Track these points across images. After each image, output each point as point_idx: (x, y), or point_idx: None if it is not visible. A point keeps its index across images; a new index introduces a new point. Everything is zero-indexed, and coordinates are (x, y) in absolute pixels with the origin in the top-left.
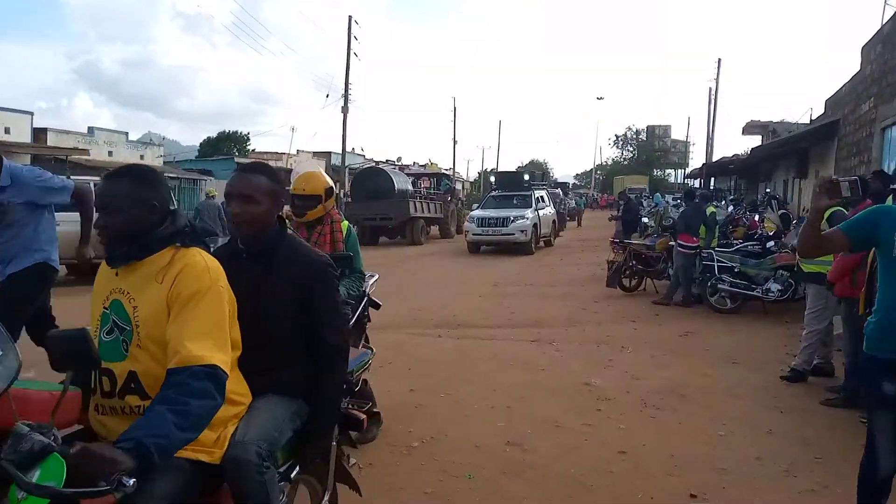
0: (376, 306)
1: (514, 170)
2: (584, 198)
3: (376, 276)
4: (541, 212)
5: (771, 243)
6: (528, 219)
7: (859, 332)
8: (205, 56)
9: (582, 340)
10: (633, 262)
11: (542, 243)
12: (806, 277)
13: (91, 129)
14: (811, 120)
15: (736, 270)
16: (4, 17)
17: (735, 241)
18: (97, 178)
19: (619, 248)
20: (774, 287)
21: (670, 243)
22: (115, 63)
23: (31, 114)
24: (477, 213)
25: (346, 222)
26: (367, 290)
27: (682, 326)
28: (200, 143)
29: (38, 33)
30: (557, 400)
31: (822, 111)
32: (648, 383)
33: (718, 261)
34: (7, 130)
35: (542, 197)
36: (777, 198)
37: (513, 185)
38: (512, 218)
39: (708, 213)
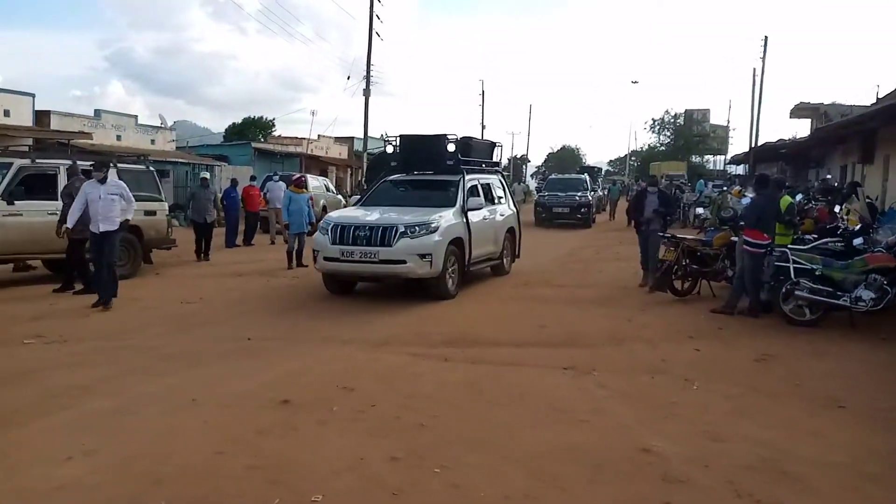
0: None
1: (433, 134)
2: (617, 185)
3: None
4: (475, 215)
5: (859, 240)
6: (437, 230)
7: None
8: (235, 43)
9: (631, 368)
10: (687, 262)
11: (488, 268)
12: None
13: (98, 112)
14: (878, 98)
15: (817, 273)
16: (35, 5)
17: (808, 237)
18: (68, 162)
19: (670, 245)
20: (866, 295)
21: (732, 239)
22: (147, 51)
23: (33, 95)
24: (339, 214)
25: None
26: None
27: (756, 346)
28: (226, 130)
29: (69, 21)
30: (604, 482)
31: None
32: (734, 450)
33: (795, 261)
34: (7, 113)
35: (485, 187)
36: (860, 184)
37: (427, 162)
38: (402, 229)
39: (785, 206)
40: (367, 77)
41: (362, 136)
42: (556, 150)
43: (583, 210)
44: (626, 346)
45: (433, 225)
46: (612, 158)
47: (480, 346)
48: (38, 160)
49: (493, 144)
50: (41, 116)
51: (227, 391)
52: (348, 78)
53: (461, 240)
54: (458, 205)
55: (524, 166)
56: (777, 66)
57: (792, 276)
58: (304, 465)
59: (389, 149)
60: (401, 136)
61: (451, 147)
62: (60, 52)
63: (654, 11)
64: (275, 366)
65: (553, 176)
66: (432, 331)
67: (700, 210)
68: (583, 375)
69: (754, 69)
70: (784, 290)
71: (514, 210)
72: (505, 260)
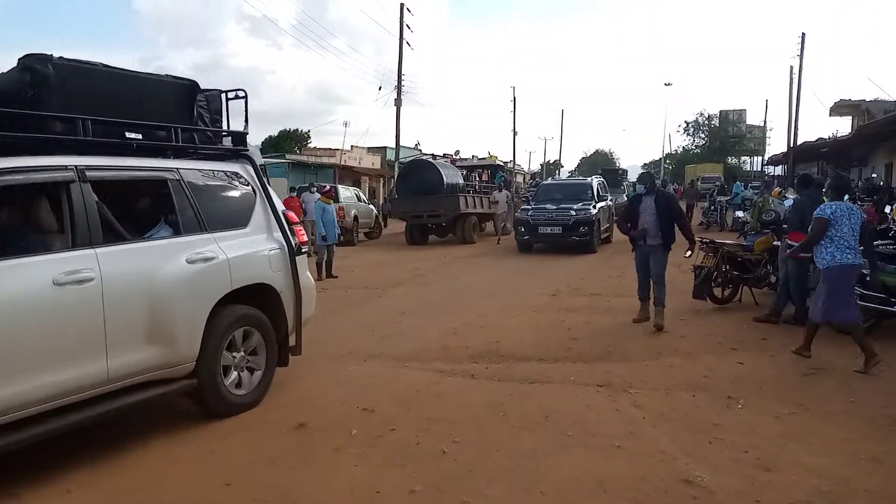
0: None
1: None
2: None
3: None
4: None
5: None
6: None
7: None
8: (271, 58)
9: (669, 385)
10: (727, 268)
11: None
12: None
13: None
14: None
15: (867, 279)
16: (81, 26)
17: None
18: None
19: (709, 251)
20: None
21: (774, 243)
22: (187, 68)
23: None
24: None
25: None
26: None
27: (804, 358)
28: (262, 142)
29: (112, 41)
30: None
31: None
32: (788, 481)
33: None
34: None
35: (121, 193)
36: None
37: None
38: None
39: None
40: (399, 87)
41: (394, 146)
42: (589, 155)
43: (581, 229)
44: (664, 360)
45: None
46: (647, 161)
47: (507, 362)
48: None
49: (190, 86)
50: None
51: (242, 413)
52: (380, 88)
53: None
54: None
55: (557, 171)
56: (816, 64)
57: None
58: (315, 498)
59: None
60: None
61: None
62: None
63: (687, 11)
64: (295, 383)
65: (547, 181)
66: (457, 346)
67: (739, 213)
68: (617, 393)
69: (791, 67)
70: None
71: (284, 243)
72: (222, 379)
